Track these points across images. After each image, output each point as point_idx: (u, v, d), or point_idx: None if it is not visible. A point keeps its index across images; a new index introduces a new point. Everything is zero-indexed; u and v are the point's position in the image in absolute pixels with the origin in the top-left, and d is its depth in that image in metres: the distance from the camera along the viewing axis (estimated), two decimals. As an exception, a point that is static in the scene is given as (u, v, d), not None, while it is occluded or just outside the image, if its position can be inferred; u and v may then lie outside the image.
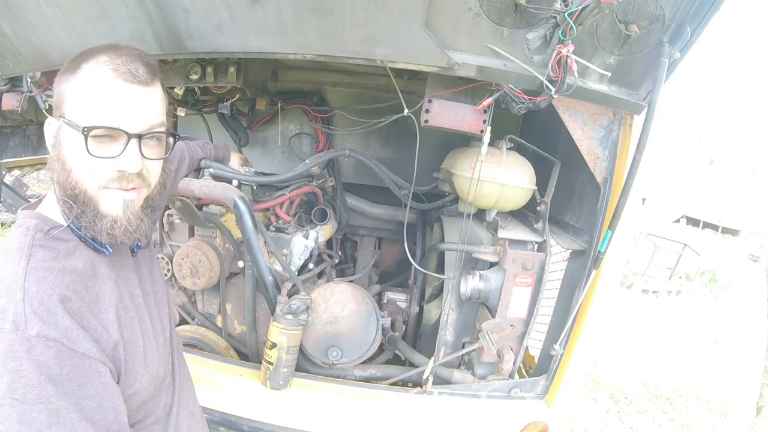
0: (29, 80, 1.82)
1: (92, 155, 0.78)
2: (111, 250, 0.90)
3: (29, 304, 0.73)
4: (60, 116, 0.81)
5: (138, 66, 0.80)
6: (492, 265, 1.78)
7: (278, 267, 1.92)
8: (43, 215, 0.84)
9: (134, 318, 0.93)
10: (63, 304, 0.76)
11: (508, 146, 1.70)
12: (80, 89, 0.79)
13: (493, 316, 1.74)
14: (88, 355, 0.77)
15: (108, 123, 0.78)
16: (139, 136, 0.82)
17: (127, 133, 0.79)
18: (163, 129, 0.87)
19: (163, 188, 1.03)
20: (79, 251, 0.84)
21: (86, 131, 0.76)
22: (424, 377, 1.75)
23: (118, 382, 0.84)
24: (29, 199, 2.67)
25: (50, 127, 0.84)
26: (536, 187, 1.71)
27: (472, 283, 1.72)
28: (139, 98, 0.81)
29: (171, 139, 0.93)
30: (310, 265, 2.24)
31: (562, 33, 1.18)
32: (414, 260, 1.93)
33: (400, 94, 1.61)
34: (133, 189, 0.85)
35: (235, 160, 2.01)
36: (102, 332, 0.81)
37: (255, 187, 2.06)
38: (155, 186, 0.93)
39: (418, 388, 1.76)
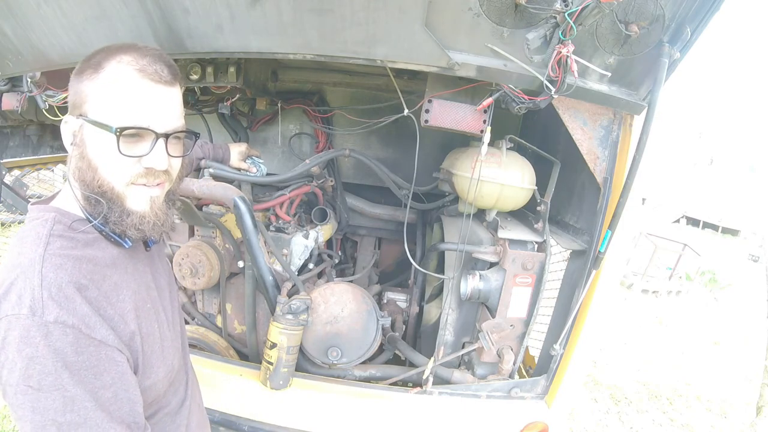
0: (29, 80, 1.82)
1: (123, 154, 0.80)
2: (130, 244, 0.91)
3: (47, 290, 0.72)
4: (80, 115, 0.81)
5: (162, 67, 0.83)
6: (492, 265, 1.78)
7: (278, 267, 1.92)
8: (62, 209, 0.84)
9: (151, 310, 0.94)
10: (80, 291, 0.76)
11: (508, 146, 1.70)
12: (106, 89, 0.80)
13: (493, 316, 1.74)
14: (105, 342, 0.76)
15: (138, 123, 0.80)
16: (166, 135, 0.84)
17: (156, 132, 0.82)
18: (185, 128, 0.90)
19: (181, 181, 1.06)
20: (99, 243, 0.85)
21: (119, 132, 0.78)
22: (424, 377, 1.75)
23: (135, 374, 0.84)
24: (29, 199, 2.66)
25: (68, 125, 0.84)
26: (536, 187, 1.71)
27: (472, 283, 1.72)
28: (165, 98, 0.84)
29: (192, 136, 0.96)
30: (310, 265, 2.23)
31: (562, 33, 1.17)
32: (414, 260, 1.93)
33: (400, 94, 1.61)
34: (158, 185, 0.88)
35: (234, 156, 2.00)
36: (119, 322, 0.81)
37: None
38: (176, 180, 0.96)
39: (418, 388, 1.76)
